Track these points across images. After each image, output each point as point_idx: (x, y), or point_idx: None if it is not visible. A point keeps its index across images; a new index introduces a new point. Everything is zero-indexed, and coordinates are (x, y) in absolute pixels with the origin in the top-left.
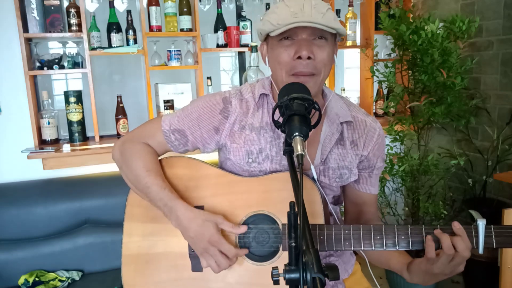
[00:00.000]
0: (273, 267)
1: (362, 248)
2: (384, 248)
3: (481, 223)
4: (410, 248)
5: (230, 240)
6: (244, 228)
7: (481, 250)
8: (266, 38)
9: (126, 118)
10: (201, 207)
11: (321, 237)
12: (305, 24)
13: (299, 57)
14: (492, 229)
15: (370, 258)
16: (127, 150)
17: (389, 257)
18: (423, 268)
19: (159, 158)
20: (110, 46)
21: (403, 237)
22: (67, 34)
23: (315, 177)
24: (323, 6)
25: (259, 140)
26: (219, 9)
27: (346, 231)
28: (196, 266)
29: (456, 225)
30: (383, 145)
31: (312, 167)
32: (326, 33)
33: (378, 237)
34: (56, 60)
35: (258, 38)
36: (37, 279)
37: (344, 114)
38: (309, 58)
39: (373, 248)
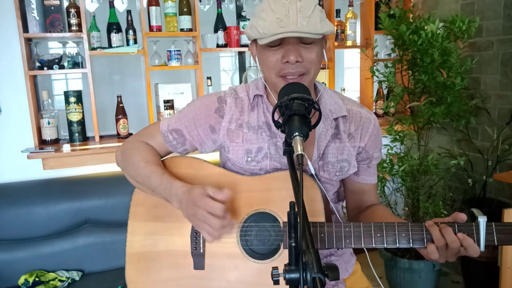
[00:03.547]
0: (273, 267)
1: (363, 245)
2: (385, 245)
3: (482, 220)
4: (411, 245)
5: (231, 236)
6: (226, 192)
7: (482, 247)
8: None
9: (126, 118)
10: None
11: (322, 235)
12: (290, 34)
13: (287, 61)
14: (493, 226)
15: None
16: (127, 150)
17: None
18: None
19: (162, 159)
20: (110, 46)
21: (403, 234)
22: (67, 34)
23: (313, 172)
24: (309, 8)
25: (257, 139)
26: (219, 9)
27: (347, 229)
28: (198, 264)
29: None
30: (379, 135)
31: (309, 163)
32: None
33: (378, 235)
34: (56, 60)
35: (247, 38)
36: (37, 279)
37: (338, 109)
38: (297, 61)
39: (373, 245)
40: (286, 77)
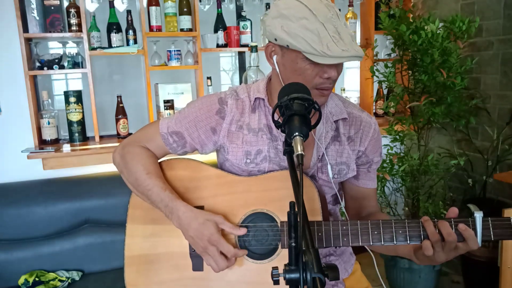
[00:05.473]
0: (273, 267)
1: (360, 243)
2: (382, 243)
3: (478, 215)
4: (408, 242)
5: (229, 239)
6: (243, 230)
7: (479, 242)
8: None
9: (126, 118)
10: (201, 207)
11: (319, 234)
12: (352, 59)
13: (329, 77)
14: (490, 221)
15: (377, 248)
16: (127, 154)
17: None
18: (427, 256)
19: (159, 160)
20: (110, 46)
21: (400, 231)
22: (67, 34)
23: (331, 171)
24: (347, 24)
25: (257, 142)
26: (219, 9)
27: (344, 227)
28: (197, 266)
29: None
30: (379, 140)
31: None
32: None
33: (375, 232)
34: (56, 60)
35: (267, 37)
36: (37, 279)
37: (338, 112)
38: None
39: (371, 243)
40: (322, 90)
